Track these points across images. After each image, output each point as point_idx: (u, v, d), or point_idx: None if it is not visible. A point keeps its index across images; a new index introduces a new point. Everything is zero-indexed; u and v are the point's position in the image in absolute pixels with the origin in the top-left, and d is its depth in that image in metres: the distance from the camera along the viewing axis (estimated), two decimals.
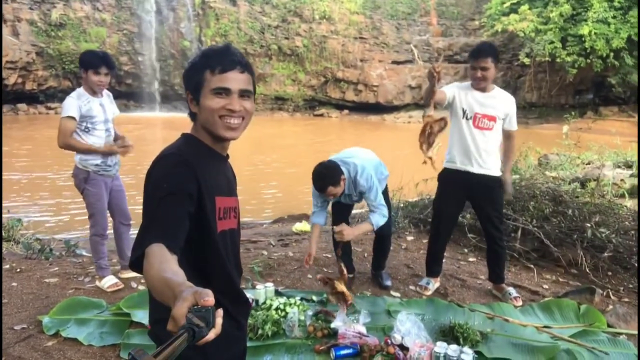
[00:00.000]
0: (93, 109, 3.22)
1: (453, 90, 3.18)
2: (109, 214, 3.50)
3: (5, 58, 21.58)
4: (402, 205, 5.44)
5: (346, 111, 27.18)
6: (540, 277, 3.88)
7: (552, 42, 21.33)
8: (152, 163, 1.31)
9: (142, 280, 3.53)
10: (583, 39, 20.54)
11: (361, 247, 4.34)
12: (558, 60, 21.46)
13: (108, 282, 3.38)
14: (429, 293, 3.44)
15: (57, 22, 23.89)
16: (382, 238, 3.58)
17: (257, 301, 3.03)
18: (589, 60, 20.90)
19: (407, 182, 5.99)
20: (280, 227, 6.02)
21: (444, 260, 3.83)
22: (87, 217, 3.44)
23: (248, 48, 26.57)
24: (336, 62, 26.88)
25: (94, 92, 3.24)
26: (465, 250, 4.41)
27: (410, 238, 4.64)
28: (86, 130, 3.24)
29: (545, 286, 3.70)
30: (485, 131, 3.17)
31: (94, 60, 3.17)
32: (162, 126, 21.76)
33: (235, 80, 1.31)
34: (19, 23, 22.79)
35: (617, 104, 23.47)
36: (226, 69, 1.31)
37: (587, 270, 3.83)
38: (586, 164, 9.38)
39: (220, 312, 0.85)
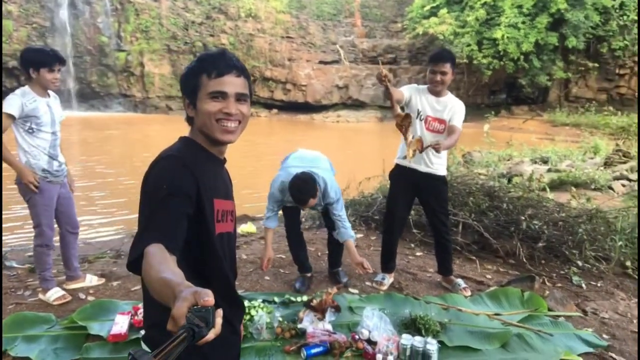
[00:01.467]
0: (39, 108, 2.98)
1: (410, 92, 3.31)
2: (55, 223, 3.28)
3: None
4: (347, 203, 5.54)
5: (275, 110, 27.12)
6: (483, 268, 4.13)
7: (469, 45, 22.63)
8: (151, 165, 1.30)
9: (91, 291, 3.35)
10: (497, 42, 21.99)
11: (313, 246, 4.39)
12: (475, 62, 22.80)
13: (54, 294, 3.16)
14: (384, 288, 3.56)
15: None
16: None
17: None
18: (502, 63, 22.41)
19: (348, 180, 6.13)
20: None
21: None
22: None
23: (171, 45, 25.74)
24: (264, 60, 26.73)
25: (43, 91, 3.02)
26: (412, 245, 4.60)
27: (359, 236, 4.75)
28: (30, 131, 2.99)
29: (488, 276, 3.96)
30: (436, 134, 3.32)
31: (45, 58, 2.93)
32: (79, 126, 20.48)
33: (232, 84, 1.32)
34: None
35: (527, 103, 25.38)
36: (222, 72, 1.32)
37: (524, 260, 4.13)
38: (507, 160, 10.09)
39: (220, 312, 0.85)
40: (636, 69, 23.03)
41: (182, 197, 1.22)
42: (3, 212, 6.19)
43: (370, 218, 5.15)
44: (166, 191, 1.21)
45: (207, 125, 1.33)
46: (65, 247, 3.36)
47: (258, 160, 12.30)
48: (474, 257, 4.31)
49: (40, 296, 3.19)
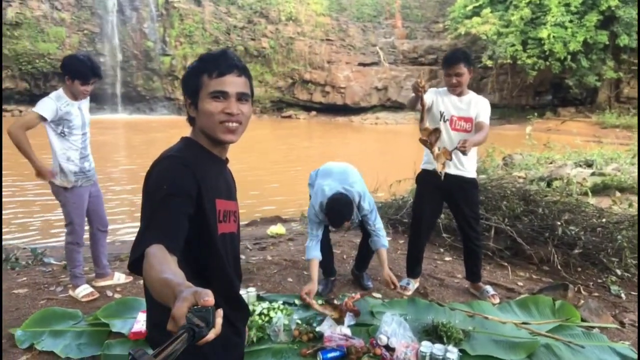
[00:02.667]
0: (72, 112, 3.11)
1: (431, 96, 3.24)
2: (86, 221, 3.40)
3: None
4: (378, 206, 5.47)
5: (314, 113, 27.24)
6: (515, 275, 3.98)
7: (513, 45, 22.00)
8: (152, 165, 1.31)
9: (118, 289, 3.44)
10: (542, 41, 21.27)
11: (339, 249, 4.35)
12: (519, 62, 22.15)
13: (83, 291, 3.27)
14: (409, 293, 3.48)
15: (12, 22, 23.01)
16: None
17: None
18: (547, 63, 21.66)
19: (380, 183, 6.06)
20: (254, 230, 5.98)
21: None
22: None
23: (213, 49, 26.08)
24: (303, 63, 26.92)
25: (75, 97, 3.14)
26: (441, 250, 4.49)
27: (387, 239, 4.68)
28: (62, 134, 3.13)
29: (520, 283, 3.81)
30: (463, 133, 3.23)
31: (83, 72, 3.05)
32: (124, 129, 21.24)
33: (233, 83, 1.32)
34: None
35: (575, 104, 24.40)
36: (223, 72, 1.31)
37: (559, 267, 3.96)
38: (549, 163, 9.71)
39: (220, 312, 0.85)
40: None
41: (183, 197, 1.22)
42: (53, 214, 6.49)
43: (399, 221, 5.07)
44: (167, 191, 1.21)
45: (208, 125, 1.32)
46: (95, 245, 3.46)
47: (297, 165, 12.37)
48: (505, 264, 4.16)
49: (70, 292, 3.31)
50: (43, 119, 3.02)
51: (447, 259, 4.29)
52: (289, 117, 27.01)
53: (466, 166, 3.27)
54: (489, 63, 23.05)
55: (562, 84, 23.49)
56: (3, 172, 9.29)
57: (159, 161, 1.31)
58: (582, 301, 3.43)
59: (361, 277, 3.64)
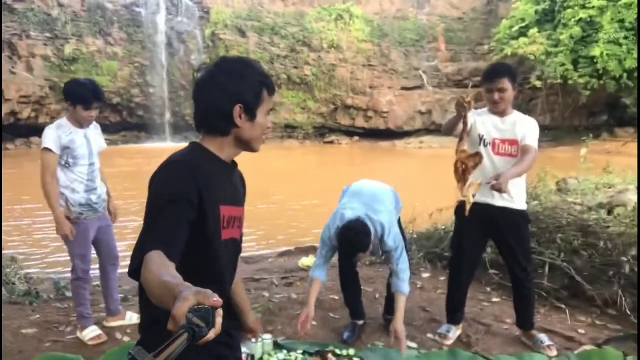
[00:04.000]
0: (75, 140, 2.96)
1: (469, 118, 2.86)
2: (94, 253, 3.22)
3: (19, 93, 21.94)
4: (415, 237, 5.06)
5: (356, 138, 27.02)
6: (574, 320, 3.46)
7: (563, 65, 21.09)
8: (156, 170, 1.32)
9: (128, 331, 3.20)
10: (595, 60, 20.27)
11: (372, 286, 3.97)
12: (570, 82, 21.17)
13: (90, 333, 3.04)
14: (449, 342, 3.04)
15: (70, 57, 24.27)
16: None
17: (252, 356, 2.67)
18: (602, 82, 20.57)
19: (420, 212, 5.63)
20: (286, 261, 5.70)
21: None
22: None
23: None
24: (345, 89, 26.88)
25: (79, 125, 3.00)
26: (488, 289, 4.01)
27: (425, 275, 4.26)
28: (67, 165, 2.96)
29: (581, 331, 3.28)
30: (508, 158, 2.83)
31: (85, 96, 2.91)
32: None
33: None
34: (33, 59, 23.19)
35: (633, 125, 22.95)
36: (274, 92, 1.42)
37: (628, 312, 3.41)
38: (608, 188, 8.94)
39: (220, 312, 0.84)
40: None
41: (184, 203, 1.23)
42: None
43: (439, 256, 4.62)
44: (168, 197, 1.22)
45: (256, 137, 1.39)
46: (105, 279, 3.27)
47: (339, 192, 11.91)
48: (562, 306, 3.63)
49: (78, 334, 3.10)
50: (53, 152, 2.89)
51: (494, 299, 3.81)
52: (332, 142, 26.90)
53: (513, 196, 2.84)
54: (538, 84, 22.16)
55: (619, 103, 22.21)
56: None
57: (162, 166, 1.32)
58: None
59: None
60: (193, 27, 27.43)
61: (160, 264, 1.06)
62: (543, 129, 23.01)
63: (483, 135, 2.85)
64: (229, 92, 1.32)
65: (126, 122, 25.45)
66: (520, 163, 2.69)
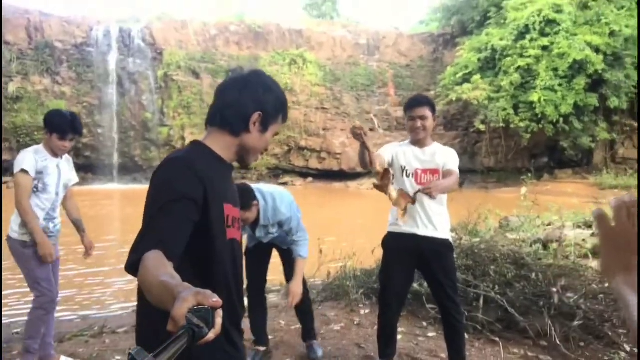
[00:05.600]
0: (49, 167, 2.99)
1: (391, 150, 2.95)
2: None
3: None
4: (357, 274, 5.00)
5: (310, 179, 27.16)
6: (507, 352, 3.46)
7: (505, 109, 22.21)
8: (158, 166, 1.31)
9: None
10: (533, 105, 21.48)
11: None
12: (512, 126, 22.27)
13: None
14: None
15: (13, 96, 23.48)
16: (302, 297, 3.20)
17: None
18: (541, 125, 21.75)
19: (364, 248, 5.61)
20: None
21: (400, 337, 3.41)
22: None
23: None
24: (299, 131, 27.17)
25: (54, 153, 3.03)
26: (424, 324, 3.97)
27: (364, 312, 4.19)
28: (35, 189, 2.95)
29: None
30: None
31: (61, 126, 2.98)
32: (120, 198, 21.00)
33: None
34: None
35: (571, 166, 24.28)
36: (285, 120, 1.48)
37: (558, 342, 3.44)
38: (547, 225, 9.28)
39: (219, 312, 0.84)
40: None
41: (186, 203, 1.22)
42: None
43: (375, 291, 4.57)
44: (170, 197, 1.21)
45: (256, 149, 1.42)
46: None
47: None
48: (496, 339, 3.64)
49: None
50: (29, 174, 2.88)
51: (430, 334, 3.78)
52: (286, 183, 26.86)
53: (437, 225, 2.87)
54: (482, 127, 23.19)
55: (557, 146, 23.49)
56: None
57: (165, 163, 1.31)
58: None
59: (310, 348, 3.23)
60: (145, 67, 27.27)
61: (159, 264, 1.06)
62: (488, 170, 23.89)
63: (405, 166, 2.90)
64: (256, 97, 1.37)
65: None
66: (447, 179, 2.75)
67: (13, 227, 2.99)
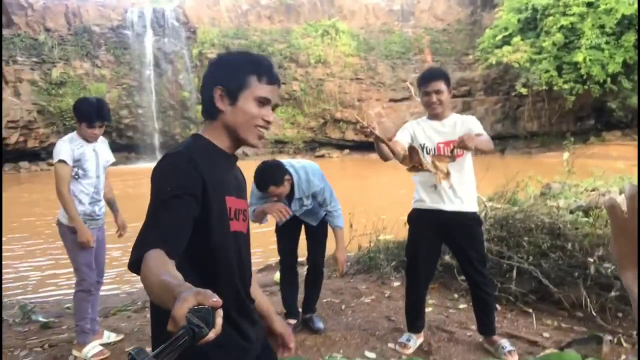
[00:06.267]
0: (85, 153, 3.11)
1: (408, 132, 2.89)
2: None
3: (7, 118, 21.89)
4: (389, 245, 4.99)
5: (347, 151, 27.07)
6: (540, 324, 3.41)
7: (547, 71, 21.25)
8: (158, 162, 1.31)
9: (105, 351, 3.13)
10: (578, 66, 20.45)
11: (339, 297, 3.91)
12: (555, 88, 21.33)
13: (92, 350, 3.04)
14: (409, 351, 2.99)
15: (57, 81, 24.30)
16: (317, 269, 3.35)
17: None
18: (586, 87, 20.73)
19: (397, 220, 5.59)
20: (264, 276, 5.64)
21: (430, 309, 3.42)
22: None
23: None
24: (334, 103, 26.99)
25: (86, 140, 3.14)
26: (455, 296, 3.96)
27: (396, 284, 4.21)
28: (76, 177, 3.07)
29: (546, 334, 3.24)
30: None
31: (87, 114, 3.06)
32: None
33: (275, 93, 1.38)
34: (20, 84, 23.20)
35: (620, 128, 23.12)
36: (272, 81, 1.37)
37: (594, 313, 3.37)
38: (591, 191, 8.93)
39: (220, 312, 0.83)
40: None
41: (186, 198, 1.22)
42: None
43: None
44: (170, 192, 1.21)
45: (244, 126, 1.34)
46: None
47: None
48: (530, 310, 3.59)
49: (75, 353, 3.06)
50: (67, 163, 3.00)
51: (461, 306, 3.76)
52: (323, 156, 26.93)
53: (463, 198, 2.82)
54: (524, 91, 22.32)
55: (605, 107, 22.39)
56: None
57: (163, 158, 1.30)
58: (622, 356, 2.85)
59: (310, 320, 3.29)
60: (180, 47, 27.56)
61: (160, 262, 1.06)
62: (531, 135, 23.03)
63: (424, 144, 2.84)
64: (211, 76, 1.36)
65: (115, 144, 25.35)
66: (482, 137, 2.63)
67: (62, 212, 3.14)
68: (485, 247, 3.07)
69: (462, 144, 2.43)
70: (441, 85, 2.77)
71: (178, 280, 0.96)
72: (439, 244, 3.03)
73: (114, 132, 25.26)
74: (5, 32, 22.95)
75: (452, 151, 2.57)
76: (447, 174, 2.58)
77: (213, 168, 1.29)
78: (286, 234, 3.33)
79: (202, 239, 1.25)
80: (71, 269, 3.31)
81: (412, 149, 2.51)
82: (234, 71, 1.34)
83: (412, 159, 2.50)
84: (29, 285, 6.00)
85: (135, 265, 1.12)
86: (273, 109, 1.39)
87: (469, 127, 2.77)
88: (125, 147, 25.63)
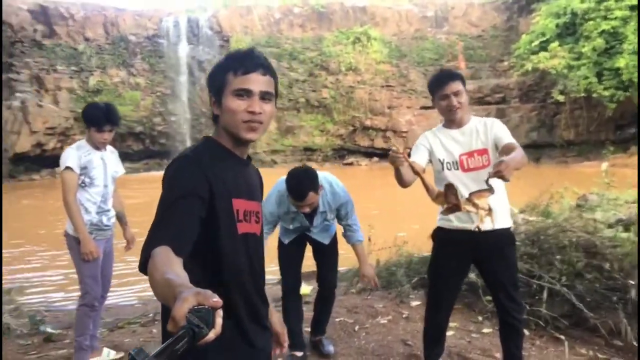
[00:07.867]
0: (93, 161, 3.04)
1: (425, 148, 2.59)
2: None
3: (45, 125, 22.66)
4: (411, 259, 4.72)
5: (376, 159, 26.73)
6: (573, 353, 3.11)
7: (586, 77, 20.48)
8: (168, 165, 1.33)
9: None
10: (620, 71, 19.63)
11: (353, 317, 3.69)
12: (595, 95, 20.53)
13: None
14: None
15: (94, 89, 24.97)
16: (329, 288, 3.14)
17: None
18: (628, 93, 19.88)
19: (421, 233, 5.32)
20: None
21: (451, 333, 3.15)
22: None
23: (277, 103, 26.89)
24: (364, 110, 26.77)
25: (97, 147, 3.08)
26: (480, 318, 3.67)
27: (415, 303, 3.95)
28: (82, 185, 3.00)
29: None
30: (480, 171, 2.51)
31: (96, 118, 3.00)
32: None
33: (257, 82, 1.33)
34: (59, 92, 23.94)
35: None
36: (249, 70, 1.32)
37: (634, 343, 3.04)
38: (631, 203, 8.40)
39: (220, 312, 0.83)
40: None
41: (193, 199, 1.23)
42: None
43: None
44: (177, 193, 1.23)
45: (231, 123, 1.34)
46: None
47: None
48: (561, 336, 3.28)
49: None
50: (73, 170, 2.94)
51: (485, 330, 3.48)
52: (351, 164, 26.70)
53: (495, 214, 2.51)
54: (561, 98, 21.55)
55: None
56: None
57: (174, 161, 1.33)
58: None
59: (320, 343, 3.07)
60: (213, 55, 27.90)
61: (166, 260, 1.07)
62: (568, 144, 22.19)
63: (443, 159, 2.56)
64: (208, 85, 1.43)
65: (149, 150, 25.89)
66: (515, 152, 2.24)
67: (69, 223, 3.06)
68: (517, 270, 2.75)
69: (499, 175, 2.07)
70: (459, 86, 2.52)
71: (181, 278, 0.96)
72: (465, 267, 2.74)
73: (147, 138, 25.77)
74: (47, 42, 23.84)
75: (487, 181, 2.19)
76: (490, 211, 2.18)
77: (221, 170, 1.31)
78: (293, 255, 3.09)
79: (211, 242, 1.27)
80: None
81: (448, 187, 2.15)
82: (215, 74, 1.37)
83: (448, 199, 2.16)
84: (49, 292, 6.00)
85: (144, 266, 1.13)
86: (268, 99, 1.34)
87: (495, 134, 2.49)
88: (157, 153, 26.07)
